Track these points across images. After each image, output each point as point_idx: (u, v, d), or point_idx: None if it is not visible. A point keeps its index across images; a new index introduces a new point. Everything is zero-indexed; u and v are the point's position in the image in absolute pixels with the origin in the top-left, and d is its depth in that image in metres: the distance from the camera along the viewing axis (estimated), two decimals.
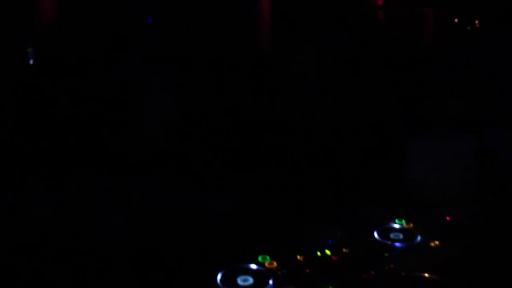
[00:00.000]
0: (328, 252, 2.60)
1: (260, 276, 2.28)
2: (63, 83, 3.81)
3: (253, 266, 2.36)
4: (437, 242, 2.74)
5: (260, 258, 2.45)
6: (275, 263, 2.42)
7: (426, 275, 2.37)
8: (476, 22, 11.33)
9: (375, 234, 2.68)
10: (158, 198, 3.30)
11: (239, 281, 2.25)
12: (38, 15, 6.69)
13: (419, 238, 2.69)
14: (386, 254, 2.61)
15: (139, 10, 7.67)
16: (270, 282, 2.26)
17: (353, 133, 4.36)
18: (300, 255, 2.56)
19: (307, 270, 2.40)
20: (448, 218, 3.15)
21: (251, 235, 2.85)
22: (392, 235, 2.69)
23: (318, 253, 2.59)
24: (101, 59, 4.22)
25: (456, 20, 11.91)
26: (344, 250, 2.62)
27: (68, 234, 3.07)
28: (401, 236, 2.69)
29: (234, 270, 2.30)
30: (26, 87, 4.08)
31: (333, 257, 2.58)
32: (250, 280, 2.26)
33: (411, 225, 2.84)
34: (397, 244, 2.63)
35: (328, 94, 4.64)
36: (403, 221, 2.85)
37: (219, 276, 2.25)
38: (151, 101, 4.13)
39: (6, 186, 3.36)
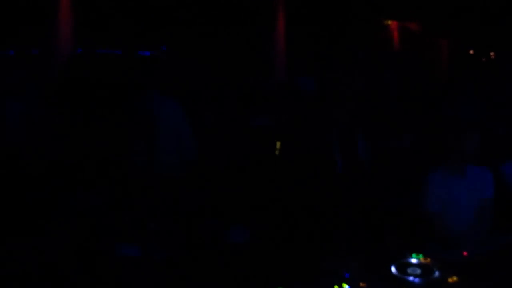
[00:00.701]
0: (345, 285, 2.60)
1: None
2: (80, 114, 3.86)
3: None
4: (455, 278, 2.73)
5: None
6: None
7: None
8: (491, 54, 11.37)
9: (393, 269, 2.67)
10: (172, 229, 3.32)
11: None
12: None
13: (437, 273, 2.67)
14: None
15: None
16: None
17: (371, 167, 4.37)
18: None
19: None
20: (465, 253, 3.14)
21: (268, 268, 2.84)
22: (409, 270, 2.68)
23: (336, 287, 2.59)
24: (119, 91, 4.29)
25: (471, 52, 11.97)
26: (361, 284, 2.62)
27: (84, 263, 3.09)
28: (418, 271, 2.68)
29: None
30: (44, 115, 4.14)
31: None
32: None
33: (429, 260, 2.82)
34: (415, 279, 2.61)
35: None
36: (421, 256, 2.84)
37: None
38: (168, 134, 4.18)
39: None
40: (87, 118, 3.65)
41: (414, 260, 2.79)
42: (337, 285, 2.59)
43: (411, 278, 2.62)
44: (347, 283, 2.61)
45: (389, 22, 10.67)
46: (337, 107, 2.85)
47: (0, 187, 3.56)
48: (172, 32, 9.37)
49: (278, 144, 2.94)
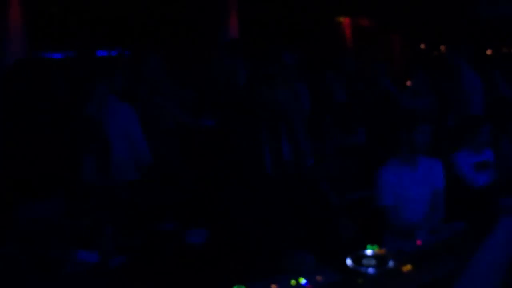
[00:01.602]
0: (302, 279, 2.64)
1: None
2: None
3: None
4: (409, 267, 2.80)
5: None
6: None
7: None
8: (442, 47, 11.63)
9: (348, 261, 2.72)
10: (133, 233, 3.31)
11: None
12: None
13: (391, 263, 2.73)
14: (360, 281, 2.65)
15: None
16: None
17: (324, 161, 4.44)
18: (274, 284, 2.59)
19: None
20: (419, 242, 3.22)
21: (226, 268, 2.86)
22: (364, 261, 2.73)
23: (293, 282, 2.63)
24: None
25: (422, 46, 12.21)
26: (317, 277, 2.66)
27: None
28: (373, 262, 2.74)
29: None
30: None
31: (308, 286, 2.61)
32: None
33: (383, 251, 2.88)
34: (370, 269, 2.67)
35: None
36: (376, 247, 2.89)
37: None
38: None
39: None
40: (35, 126, 3.57)
41: (369, 252, 2.84)
42: (294, 279, 2.63)
43: (366, 269, 2.67)
44: (304, 278, 2.65)
45: (341, 19, 10.81)
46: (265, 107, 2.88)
47: None
48: (129, 33, 9.30)
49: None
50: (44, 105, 3.59)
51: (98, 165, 4.20)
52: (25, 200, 3.55)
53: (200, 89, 4.98)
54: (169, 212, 3.74)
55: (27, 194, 3.57)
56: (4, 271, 2.99)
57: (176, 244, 3.32)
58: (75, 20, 9.06)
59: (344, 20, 10.89)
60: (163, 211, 3.73)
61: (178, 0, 9.11)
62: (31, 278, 3.07)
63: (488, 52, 11.43)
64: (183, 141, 4.66)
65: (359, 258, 2.76)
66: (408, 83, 7.24)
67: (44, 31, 8.55)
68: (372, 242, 2.92)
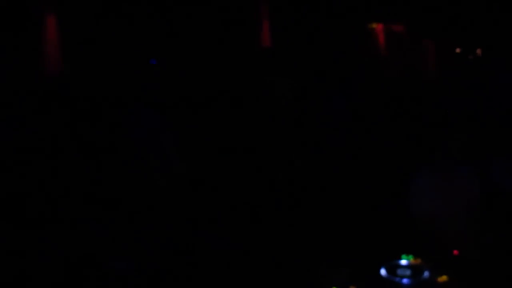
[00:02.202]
0: None
1: None
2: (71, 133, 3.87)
3: None
4: (445, 278, 2.74)
5: None
6: None
7: None
8: (478, 51, 11.43)
9: (382, 271, 2.67)
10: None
11: None
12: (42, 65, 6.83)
13: (426, 273, 2.68)
14: None
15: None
16: None
17: (358, 170, 4.39)
18: None
19: None
20: (455, 252, 3.15)
21: (261, 276, 2.85)
22: (399, 271, 2.68)
23: None
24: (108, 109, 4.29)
25: (457, 50, 12.02)
26: (351, 287, 2.63)
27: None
28: (408, 272, 2.68)
29: None
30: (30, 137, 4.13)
31: None
32: None
33: (419, 260, 2.82)
34: (405, 280, 2.62)
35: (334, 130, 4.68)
36: (411, 257, 2.84)
37: None
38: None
39: None
40: (74, 136, 3.64)
41: (404, 261, 2.79)
42: None
43: (400, 279, 2.62)
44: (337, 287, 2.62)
45: (374, 25, 10.72)
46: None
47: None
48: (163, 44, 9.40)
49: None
50: (82, 116, 3.65)
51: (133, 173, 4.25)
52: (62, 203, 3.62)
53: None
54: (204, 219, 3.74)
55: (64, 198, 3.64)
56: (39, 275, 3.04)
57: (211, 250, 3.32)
58: (108, 33, 9.21)
59: (377, 26, 10.80)
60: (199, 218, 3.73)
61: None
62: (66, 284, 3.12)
63: None
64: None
65: (393, 268, 2.71)
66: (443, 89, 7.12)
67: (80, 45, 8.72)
68: (407, 252, 2.87)
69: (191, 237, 3.42)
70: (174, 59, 8.48)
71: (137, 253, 3.17)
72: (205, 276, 3.14)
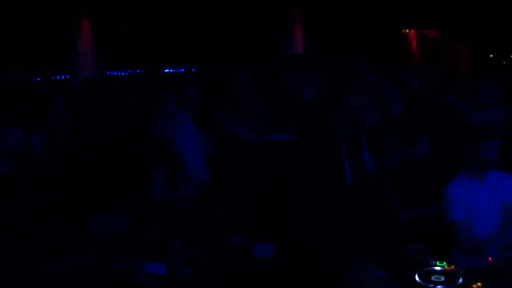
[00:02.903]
0: None
1: None
2: None
3: None
4: (479, 284, 2.72)
5: None
6: None
7: None
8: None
9: (416, 277, 2.67)
10: None
11: None
12: None
13: (461, 280, 2.67)
14: None
15: None
16: None
17: (390, 175, 4.38)
18: None
19: None
20: (490, 259, 3.13)
21: (293, 282, 2.87)
22: (433, 278, 2.68)
23: None
24: None
25: (491, 56, 11.88)
26: None
27: None
28: (442, 278, 2.68)
29: None
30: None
31: None
32: None
33: (453, 267, 2.81)
34: (439, 287, 2.61)
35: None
36: (445, 263, 2.83)
37: None
38: None
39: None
40: (105, 142, 3.71)
41: (438, 268, 2.78)
42: None
43: (434, 285, 2.62)
44: None
45: (408, 31, 10.68)
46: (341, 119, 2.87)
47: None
48: (195, 51, 9.51)
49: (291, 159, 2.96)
50: (114, 121, 3.71)
51: (167, 181, 4.32)
52: (95, 213, 3.69)
53: (268, 105, 5.01)
54: (237, 226, 3.78)
55: (98, 208, 3.71)
56: (75, 281, 3.11)
57: (243, 258, 3.36)
58: (142, 39, 9.37)
59: (410, 32, 10.76)
60: (231, 225, 3.77)
61: (241, 17, 9.25)
62: None
63: None
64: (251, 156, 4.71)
65: (427, 274, 2.70)
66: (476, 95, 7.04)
67: (113, 50, 8.89)
68: (442, 259, 2.86)
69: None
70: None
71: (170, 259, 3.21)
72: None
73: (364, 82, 2.78)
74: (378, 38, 10.00)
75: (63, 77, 8.70)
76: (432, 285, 2.62)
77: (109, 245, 3.42)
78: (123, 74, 9.65)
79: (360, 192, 2.85)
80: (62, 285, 3.02)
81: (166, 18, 9.25)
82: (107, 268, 3.19)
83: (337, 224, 2.80)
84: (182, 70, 9.99)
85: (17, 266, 3.02)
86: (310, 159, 2.81)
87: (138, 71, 9.71)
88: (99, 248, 3.34)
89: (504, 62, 11.54)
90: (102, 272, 3.20)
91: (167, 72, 10.22)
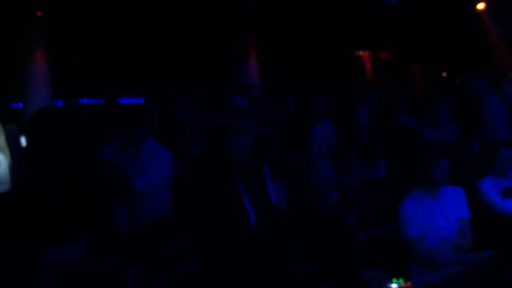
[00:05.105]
0: None
1: None
2: None
3: None
4: None
5: None
6: None
7: None
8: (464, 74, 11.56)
9: None
10: None
11: None
12: None
13: None
14: None
15: None
16: None
17: (347, 195, 4.40)
18: None
19: None
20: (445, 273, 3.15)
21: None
22: None
23: None
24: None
25: (444, 74, 12.16)
26: None
27: None
28: None
29: None
30: None
31: None
32: None
33: (409, 284, 2.82)
34: None
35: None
36: (401, 280, 2.84)
37: None
38: None
39: None
40: (57, 172, 3.63)
41: (394, 285, 2.79)
42: None
43: None
44: None
45: (361, 53, 10.87)
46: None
47: None
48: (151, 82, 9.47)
49: None
50: (64, 151, 3.64)
51: (128, 211, 4.26)
52: (48, 244, 3.60)
53: None
54: (193, 251, 3.72)
55: (51, 239, 3.62)
56: None
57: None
58: (99, 68, 9.30)
59: (364, 54, 10.95)
60: (187, 250, 3.71)
61: (197, 43, 9.28)
62: None
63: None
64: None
65: None
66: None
67: (69, 78, 8.80)
68: (398, 276, 2.86)
69: None
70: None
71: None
72: None
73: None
74: (333, 60, 10.15)
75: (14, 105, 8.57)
76: None
77: (63, 277, 3.33)
78: (79, 102, 9.55)
79: (267, 232, 2.65)
80: None
81: (122, 47, 9.23)
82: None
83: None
84: (138, 100, 9.93)
85: None
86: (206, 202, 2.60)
87: (95, 100, 9.63)
88: (52, 280, 3.25)
89: (457, 80, 11.82)
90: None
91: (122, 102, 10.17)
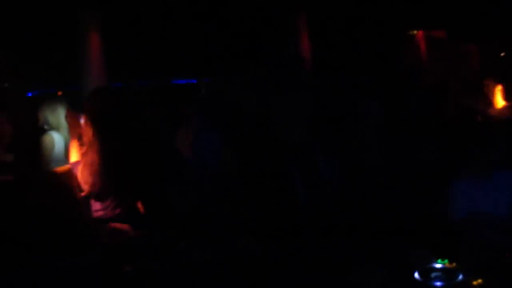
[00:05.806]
0: None
1: None
2: None
3: None
4: (480, 281, 2.73)
5: None
6: None
7: None
8: None
9: (416, 275, 2.69)
10: None
11: None
12: None
13: (461, 277, 2.68)
14: None
15: None
16: None
17: (395, 176, 4.39)
18: None
19: None
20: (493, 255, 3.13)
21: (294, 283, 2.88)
22: (433, 275, 2.69)
23: None
24: None
25: (502, 54, 11.75)
26: None
27: None
28: (442, 276, 2.69)
29: None
30: None
31: None
32: None
33: (454, 264, 2.82)
34: (437, 283, 2.63)
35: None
36: (446, 261, 2.84)
37: None
38: None
39: None
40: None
41: (438, 265, 2.79)
42: None
43: (433, 282, 2.63)
44: None
45: (415, 32, 10.64)
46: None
47: None
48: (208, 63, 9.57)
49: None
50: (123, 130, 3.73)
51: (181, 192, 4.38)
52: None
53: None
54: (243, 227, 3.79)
55: None
56: None
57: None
58: (152, 50, 9.46)
59: (418, 33, 10.72)
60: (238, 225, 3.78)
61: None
62: None
63: None
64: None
65: (427, 272, 2.72)
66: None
67: (123, 61, 9.00)
68: (443, 256, 2.87)
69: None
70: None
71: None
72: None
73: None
74: (386, 40, 9.99)
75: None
76: (431, 282, 2.64)
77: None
78: (133, 85, 9.73)
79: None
80: None
81: (175, 28, 9.36)
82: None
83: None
84: (193, 81, 10.05)
85: None
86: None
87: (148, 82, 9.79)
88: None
89: None
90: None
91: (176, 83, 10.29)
